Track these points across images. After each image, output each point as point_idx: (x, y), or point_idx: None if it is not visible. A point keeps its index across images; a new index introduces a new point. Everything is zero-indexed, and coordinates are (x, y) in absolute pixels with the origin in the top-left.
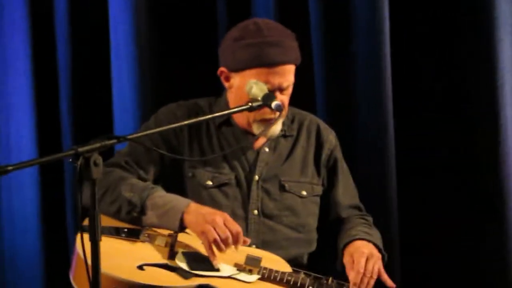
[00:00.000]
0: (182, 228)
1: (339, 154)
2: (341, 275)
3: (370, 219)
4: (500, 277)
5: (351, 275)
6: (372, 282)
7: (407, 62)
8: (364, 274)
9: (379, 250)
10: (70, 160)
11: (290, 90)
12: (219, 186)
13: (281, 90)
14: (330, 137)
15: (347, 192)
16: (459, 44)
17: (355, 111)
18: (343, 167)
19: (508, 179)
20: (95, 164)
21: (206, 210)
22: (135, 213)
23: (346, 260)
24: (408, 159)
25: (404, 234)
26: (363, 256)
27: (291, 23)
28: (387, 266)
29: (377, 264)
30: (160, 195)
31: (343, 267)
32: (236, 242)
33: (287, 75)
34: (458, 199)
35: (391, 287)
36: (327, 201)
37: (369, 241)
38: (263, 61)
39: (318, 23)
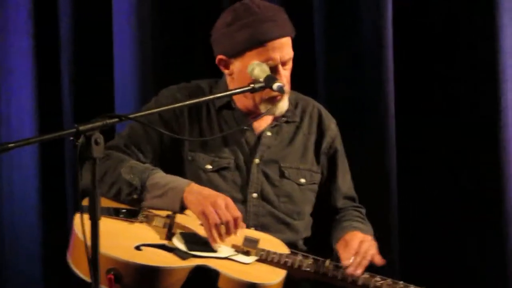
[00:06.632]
0: (182, 208)
1: (339, 144)
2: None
3: (364, 210)
4: (499, 274)
5: (343, 255)
6: (365, 262)
7: (409, 54)
8: (357, 253)
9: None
10: (71, 138)
11: (291, 64)
12: (218, 170)
13: (284, 64)
14: (332, 126)
15: (344, 182)
16: (463, 33)
17: (357, 109)
18: (343, 157)
19: (507, 177)
20: (96, 143)
21: (208, 191)
22: (135, 195)
23: (340, 243)
24: (409, 157)
25: (403, 233)
26: (357, 238)
27: (293, 7)
28: (387, 263)
29: (372, 247)
30: (161, 176)
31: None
32: (235, 227)
33: (286, 48)
34: (458, 197)
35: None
36: (325, 190)
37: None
38: (260, 38)
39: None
